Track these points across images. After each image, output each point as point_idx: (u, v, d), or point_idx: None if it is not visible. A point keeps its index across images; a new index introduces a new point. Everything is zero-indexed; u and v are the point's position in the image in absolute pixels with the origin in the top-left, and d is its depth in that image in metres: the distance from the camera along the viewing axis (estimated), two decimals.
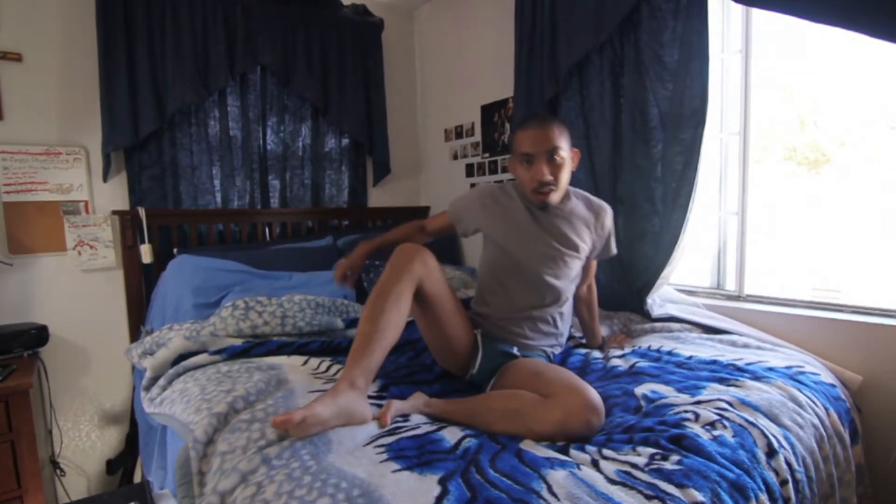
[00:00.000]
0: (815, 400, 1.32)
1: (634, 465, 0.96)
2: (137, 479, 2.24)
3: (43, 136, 2.10)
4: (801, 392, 1.31)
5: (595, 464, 0.98)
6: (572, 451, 1.04)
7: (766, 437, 1.08)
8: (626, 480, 0.91)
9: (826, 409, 1.32)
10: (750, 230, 1.92)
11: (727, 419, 1.12)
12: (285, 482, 0.92)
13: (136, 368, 1.93)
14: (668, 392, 1.31)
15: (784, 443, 1.11)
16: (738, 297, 1.96)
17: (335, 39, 2.77)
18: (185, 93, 2.31)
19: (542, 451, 1.03)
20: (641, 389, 1.34)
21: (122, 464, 2.28)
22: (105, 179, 2.23)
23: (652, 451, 1.01)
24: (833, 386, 1.45)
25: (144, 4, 2.21)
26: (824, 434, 1.26)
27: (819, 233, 1.88)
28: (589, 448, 1.04)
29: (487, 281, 1.55)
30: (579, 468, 0.96)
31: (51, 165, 2.11)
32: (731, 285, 2.01)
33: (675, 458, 0.97)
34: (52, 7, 2.11)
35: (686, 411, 1.17)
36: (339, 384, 1.14)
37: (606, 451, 1.03)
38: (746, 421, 1.12)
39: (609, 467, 0.96)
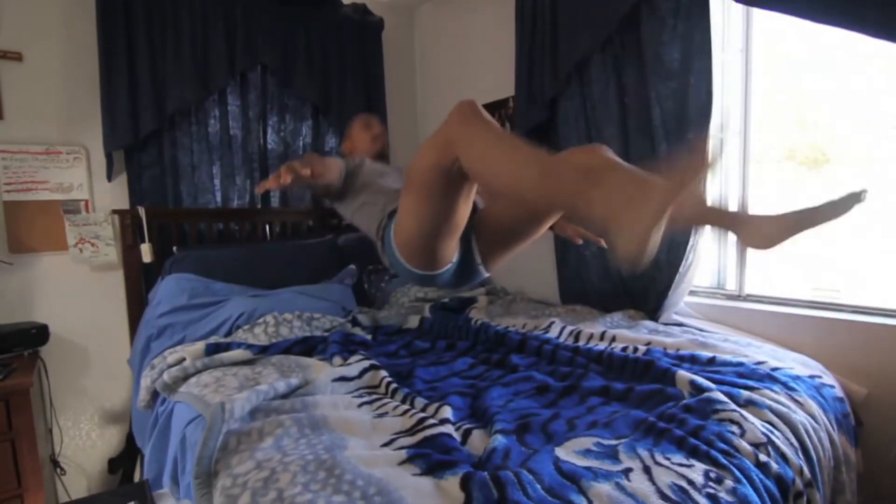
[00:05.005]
0: (830, 420, 1.31)
1: (690, 482, 0.91)
2: (137, 478, 2.25)
3: (43, 136, 2.10)
4: (825, 412, 1.31)
5: (647, 471, 0.93)
6: (622, 454, 0.99)
7: (802, 474, 1.07)
8: (679, 500, 0.86)
9: (836, 429, 1.32)
10: None
11: (773, 445, 1.08)
12: (300, 473, 0.92)
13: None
14: (710, 385, 1.27)
15: (810, 479, 1.10)
16: (738, 297, 1.96)
17: (335, 39, 2.78)
18: (185, 92, 2.31)
19: (582, 461, 0.97)
20: (683, 377, 1.30)
21: (123, 463, 2.28)
22: (109, 179, 2.23)
23: (705, 466, 0.97)
24: (842, 401, 1.44)
25: (144, 4, 2.21)
26: (835, 458, 1.27)
27: (819, 232, 1.88)
28: (641, 451, 0.99)
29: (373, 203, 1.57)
30: (628, 478, 0.91)
31: (51, 165, 2.11)
32: (731, 285, 2.01)
33: (728, 482, 0.93)
34: (53, 7, 2.11)
35: (732, 421, 1.12)
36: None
37: (659, 456, 0.98)
38: (787, 451, 1.09)
39: (663, 477, 0.91)
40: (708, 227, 1.15)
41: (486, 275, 1.38)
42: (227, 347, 1.65)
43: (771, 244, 1.06)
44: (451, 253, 1.23)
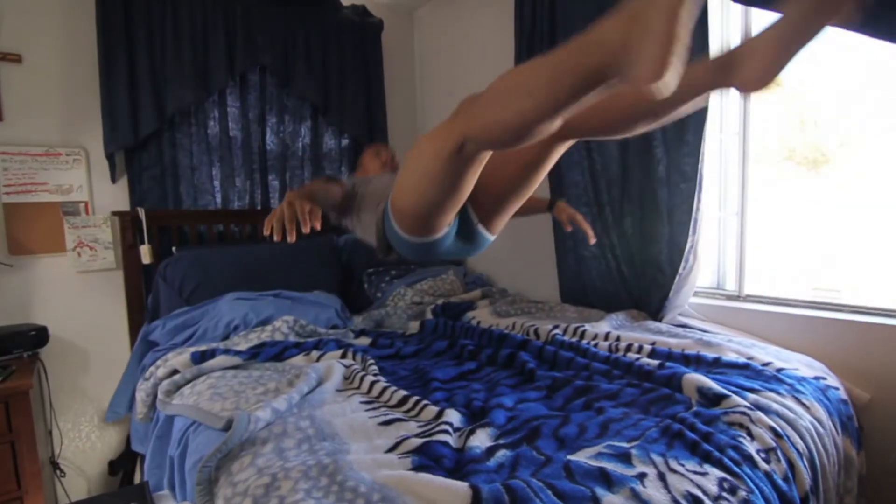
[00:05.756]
0: (835, 423, 1.31)
1: (705, 492, 0.90)
2: (138, 480, 2.24)
3: (43, 137, 2.10)
4: (830, 415, 1.31)
5: (662, 477, 0.92)
6: (635, 458, 0.97)
7: (804, 485, 1.07)
8: None
9: (840, 432, 1.33)
10: (749, 230, 1.92)
11: (782, 451, 1.09)
12: (302, 479, 0.91)
13: (139, 368, 1.93)
14: (718, 390, 1.26)
15: (813, 486, 1.10)
16: (738, 297, 1.96)
17: (335, 40, 2.77)
18: (185, 93, 2.31)
19: (595, 463, 0.95)
20: (689, 383, 1.30)
21: (123, 465, 2.28)
22: (114, 180, 2.23)
23: (719, 474, 0.96)
24: (846, 403, 1.44)
25: (144, 5, 2.21)
26: (839, 462, 1.27)
27: (819, 233, 1.88)
28: (654, 455, 0.98)
29: (378, 193, 1.57)
30: (643, 483, 0.89)
31: (51, 166, 2.10)
32: (731, 285, 2.01)
33: (741, 493, 0.93)
34: (52, 8, 2.10)
35: (741, 425, 1.12)
36: None
37: (673, 462, 0.97)
38: (796, 458, 1.10)
39: (677, 484, 0.90)
40: (708, 92, 0.98)
41: (491, 238, 1.36)
42: (212, 355, 1.63)
43: (770, 75, 0.88)
44: (450, 219, 1.21)
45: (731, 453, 1.02)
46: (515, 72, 0.90)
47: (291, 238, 1.15)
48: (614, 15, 0.72)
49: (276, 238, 1.16)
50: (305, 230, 1.15)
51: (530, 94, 0.85)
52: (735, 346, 1.60)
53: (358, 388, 1.42)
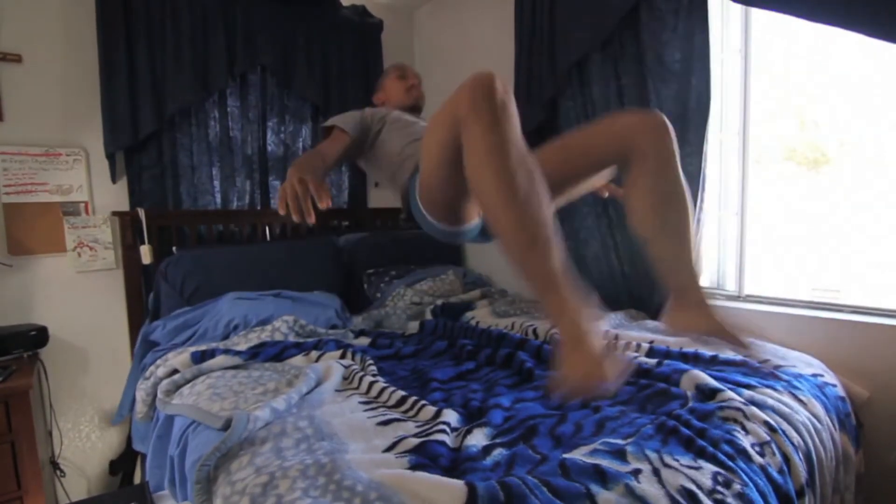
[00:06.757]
0: (833, 420, 1.31)
1: (699, 486, 0.90)
2: (138, 480, 2.25)
3: (43, 137, 2.10)
4: (828, 411, 1.31)
5: (657, 473, 0.93)
6: (630, 454, 0.98)
7: (800, 478, 1.08)
8: None
9: (838, 429, 1.32)
10: (749, 230, 1.92)
11: (776, 445, 1.09)
12: (299, 478, 0.91)
13: (139, 368, 1.93)
14: (713, 385, 1.26)
15: (810, 480, 1.10)
16: (737, 297, 1.96)
17: (335, 40, 2.78)
18: (185, 93, 2.31)
19: (590, 460, 0.95)
20: (687, 380, 1.30)
21: (124, 465, 2.28)
22: (114, 181, 2.24)
23: (713, 468, 0.96)
24: (844, 400, 1.43)
25: (144, 5, 2.22)
26: (836, 458, 1.27)
27: (819, 233, 1.88)
28: (649, 452, 0.99)
29: (399, 152, 1.56)
30: (638, 479, 0.90)
31: (51, 166, 2.11)
32: (730, 285, 2.01)
33: (736, 486, 0.93)
34: (53, 8, 2.11)
35: (736, 420, 1.12)
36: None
37: (667, 458, 0.97)
38: (791, 451, 1.10)
39: (672, 479, 0.91)
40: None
41: None
42: (212, 355, 1.63)
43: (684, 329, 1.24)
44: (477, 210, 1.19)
45: (725, 447, 1.02)
46: (506, 186, 0.99)
47: (311, 219, 1.08)
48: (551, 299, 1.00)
49: (294, 218, 1.08)
50: (322, 206, 1.09)
51: (501, 231, 1.03)
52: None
53: (357, 388, 1.42)
